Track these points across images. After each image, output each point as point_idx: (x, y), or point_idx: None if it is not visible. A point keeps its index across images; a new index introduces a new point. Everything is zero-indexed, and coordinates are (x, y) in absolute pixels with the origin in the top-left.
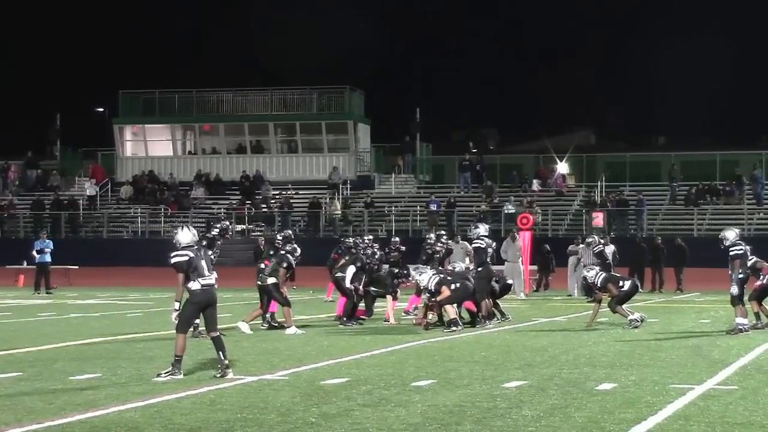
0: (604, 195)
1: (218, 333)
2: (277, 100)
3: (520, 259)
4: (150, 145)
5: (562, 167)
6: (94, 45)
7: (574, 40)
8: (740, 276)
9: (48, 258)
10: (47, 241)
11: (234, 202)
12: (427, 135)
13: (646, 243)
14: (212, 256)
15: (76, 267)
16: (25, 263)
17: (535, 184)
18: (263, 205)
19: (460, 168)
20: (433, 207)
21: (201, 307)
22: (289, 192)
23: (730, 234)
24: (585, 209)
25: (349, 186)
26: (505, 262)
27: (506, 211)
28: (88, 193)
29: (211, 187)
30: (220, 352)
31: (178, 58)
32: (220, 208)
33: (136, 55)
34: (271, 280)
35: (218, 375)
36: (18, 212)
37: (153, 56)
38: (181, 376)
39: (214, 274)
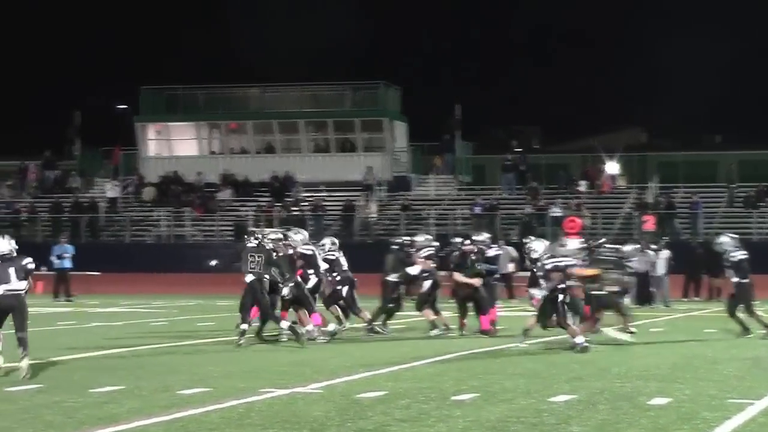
0: (656, 197)
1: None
2: (308, 97)
3: None
4: (174, 145)
5: (612, 167)
6: (114, 38)
7: (622, 32)
8: None
9: (68, 264)
10: (67, 245)
11: (263, 204)
12: (468, 133)
13: (703, 248)
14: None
15: (98, 273)
16: (44, 269)
17: (583, 186)
18: (294, 208)
19: (503, 168)
20: (478, 210)
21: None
22: (321, 194)
23: None
24: (636, 212)
25: (384, 187)
26: None
27: (552, 214)
28: (109, 195)
29: (238, 189)
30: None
31: (202, 52)
32: (248, 211)
33: (158, 49)
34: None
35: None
36: (36, 215)
37: (176, 50)
38: None
39: (24, 283)
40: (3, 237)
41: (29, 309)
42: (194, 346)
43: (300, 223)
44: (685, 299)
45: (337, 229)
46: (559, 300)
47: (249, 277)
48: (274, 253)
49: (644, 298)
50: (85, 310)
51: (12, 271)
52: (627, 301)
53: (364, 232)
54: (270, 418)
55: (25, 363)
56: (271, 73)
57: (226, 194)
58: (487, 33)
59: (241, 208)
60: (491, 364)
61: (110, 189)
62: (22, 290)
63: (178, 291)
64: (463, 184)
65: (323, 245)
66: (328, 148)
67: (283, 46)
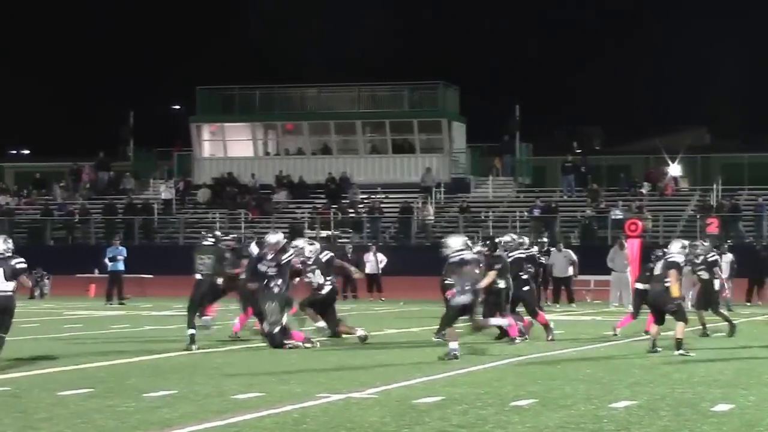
0: (719, 199)
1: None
2: (365, 97)
3: (628, 268)
4: (229, 146)
5: (674, 169)
6: (170, 38)
7: (685, 31)
8: None
9: (121, 266)
10: (120, 248)
11: (319, 206)
12: (528, 134)
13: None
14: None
15: (151, 276)
16: (96, 272)
17: (645, 188)
18: (350, 210)
19: (563, 170)
20: (536, 212)
21: None
22: (377, 196)
23: None
24: (699, 215)
25: (442, 189)
26: (612, 272)
27: (613, 217)
28: (163, 197)
29: (294, 191)
30: None
31: (258, 52)
32: (304, 213)
33: (213, 49)
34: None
35: None
36: (89, 217)
37: (232, 49)
38: None
39: (11, 284)
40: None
41: (81, 313)
42: (249, 350)
43: (356, 225)
44: (749, 303)
45: (394, 231)
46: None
47: (198, 277)
48: (227, 254)
49: (707, 302)
50: (138, 314)
51: (0, 271)
52: (687, 305)
53: (422, 234)
54: (325, 423)
55: None
56: (327, 72)
57: (281, 196)
58: (548, 32)
59: (297, 210)
60: (550, 369)
61: (164, 190)
62: (9, 291)
63: (233, 294)
64: (523, 185)
65: (302, 248)
66: (385, 149)
67: (340, 46)
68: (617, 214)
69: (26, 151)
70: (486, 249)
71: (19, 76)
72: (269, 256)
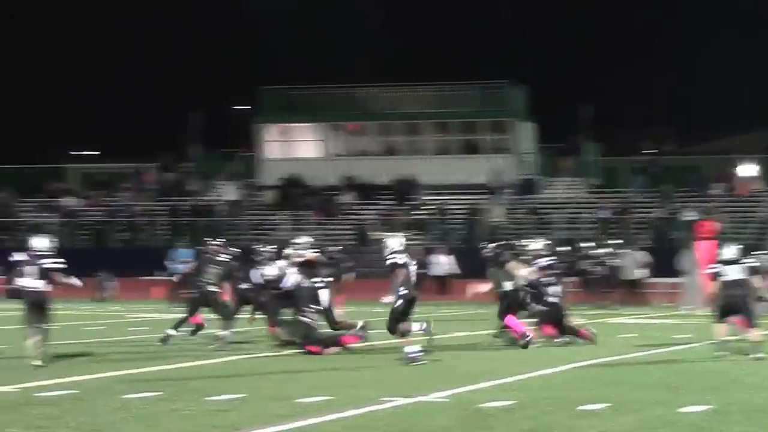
0: None
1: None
2: (431, 97)
3: (699, 271)
4: (294, 146)
5: (748, 169)
6: (235, 38)
7: (759, 28)
8: None
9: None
10: (185, 250)
11: (384, 207)
12: (598, 134)
13: None
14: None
15: None
16: (163, 274)
17: (718, 189)
18: (416, 212)
19: (634, 171)
20: (603, 214)
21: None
22: (444, 197)
23: None
24: None
25: (510, 190)
26: (682, 274)
27: (685, 218)
28: (228, 199)
29: (360, 192)
30: None
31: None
32: (370, 215)
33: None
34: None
35: None
36: (154, 219)
37: (296, 49)
38: None
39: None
40: (44, 238)
41: (147, 316)
42: (312, 354)
43: (423, 226)
44: None
45: (462, 233)
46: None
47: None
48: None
49: None
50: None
51: (35, 269)
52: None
53: (490, 236)
54: (391, 427)
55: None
56: (393, 72)
57: (347, 197)
58: (620, 31)
59: (363, 212)
60: (621, 373)
61: (230, 192)
62: (41, 288)
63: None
64: (593, 187)
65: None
66: (452, 149)
67: (406, 45)
68: (689, 215)
69: (92, 153)
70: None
71: (85, 76)
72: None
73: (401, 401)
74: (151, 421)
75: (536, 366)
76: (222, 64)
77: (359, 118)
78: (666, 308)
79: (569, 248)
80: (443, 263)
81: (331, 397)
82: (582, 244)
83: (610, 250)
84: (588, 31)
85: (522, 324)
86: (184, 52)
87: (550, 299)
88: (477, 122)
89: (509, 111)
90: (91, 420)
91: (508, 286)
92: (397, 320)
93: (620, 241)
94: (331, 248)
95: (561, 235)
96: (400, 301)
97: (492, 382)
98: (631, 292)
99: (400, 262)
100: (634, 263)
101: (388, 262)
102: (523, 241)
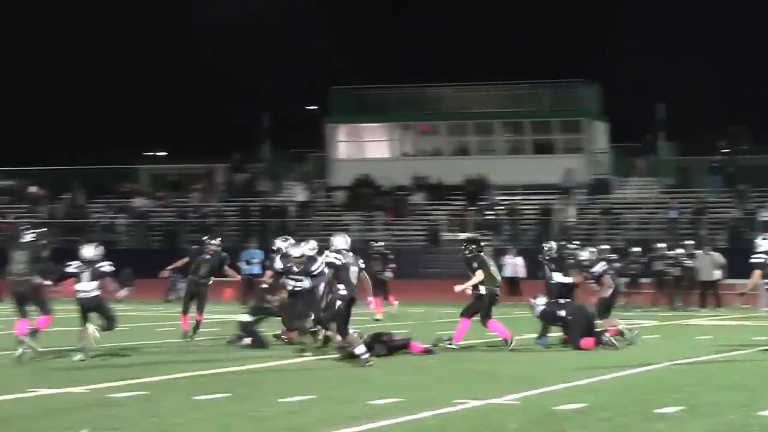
0: None
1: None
2: (503, 96)
3: None
4: (365, 146)
5: None
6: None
7: None
8: None
9: (257, 269)
10: (255, 250)
11: (456, 208)
12: (672, 133)
13: None
14: None
15: None
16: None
17: None
18: (488, 212)
19: (709, 170)
20: (673, 214)
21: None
22: (516, 197)
23: None
24: None
25: (583, 190)
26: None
27: (761, 218)
28: (299, 199)
29: (431, 192)
30: None
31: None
32: (441, 215)
33: (348, 47)
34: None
35: None
36: (224, 220)
37: (367, 48)
38: None
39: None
40: (93, 245)
41: (217, 317)
42: (382, 356)
43: (495, 227)
44: None
45: (534, 234)
46: None
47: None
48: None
49: None
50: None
51: (87, 274)
52: None
53: (563, 236)
54: (465, 429)
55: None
56: (464, 71)
57: (418, 198)
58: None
59: (434, 212)
60: (696, 375)
61: (300, 192)
62: (91, 292)
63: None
64: (667, 186)
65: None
66: (525, 149)
67: (476, 43)
68: (765, 215)
69: (162, 153)
70: (466, 249)
71: (156, 77)
72: (295, 269)
73: (473, 403)
74: (222, 422)
75: (608, 369)
76: (293, 63)
77: (431, 117)
78: (743, 310)
79: (640, 249)
80: (515, 264)
81: (403, 399)
82: (656, 245)
83: (683, 251)
84: (665, 31)
85: (505, 328)
86: (255, 52)
87: (559, 313)
88: (549, 122)
89: (582, 110)
90: (162, 421)
91: (482, 290)
92: (345, 322)
93: (693, 242)
94: (377, 243)
95: (633, 236)
96: (338, 302)
97: (565, 385)
98: (708, 294)
99: (338, 262)
100: (710, 264)
101: (326, 260)
102: (572, 247)
